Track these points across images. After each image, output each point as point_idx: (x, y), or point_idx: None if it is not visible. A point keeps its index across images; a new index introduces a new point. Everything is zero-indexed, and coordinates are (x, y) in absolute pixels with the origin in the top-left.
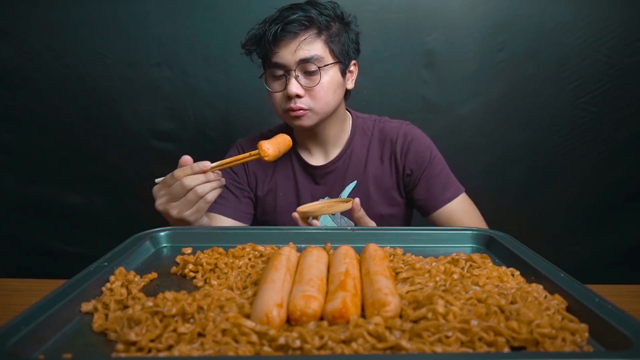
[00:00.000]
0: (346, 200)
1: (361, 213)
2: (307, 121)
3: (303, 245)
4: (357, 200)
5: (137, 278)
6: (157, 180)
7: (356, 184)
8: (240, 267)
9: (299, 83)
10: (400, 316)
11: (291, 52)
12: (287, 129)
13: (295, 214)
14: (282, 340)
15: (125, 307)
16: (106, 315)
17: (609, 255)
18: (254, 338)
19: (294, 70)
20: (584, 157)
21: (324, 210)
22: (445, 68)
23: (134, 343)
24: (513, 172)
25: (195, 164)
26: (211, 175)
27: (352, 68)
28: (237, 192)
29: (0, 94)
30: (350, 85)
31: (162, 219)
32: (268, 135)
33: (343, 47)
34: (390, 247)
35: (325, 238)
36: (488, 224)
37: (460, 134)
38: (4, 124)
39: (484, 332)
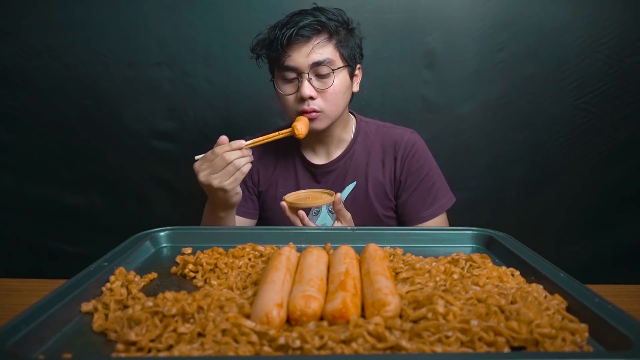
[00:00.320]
0: (329, 192)
1: (341, 206)
2: (320, 124)
3: (303, 245)
4: (338, 195)
5: (137, 278)
6: (197, 157)
7: (356, 184)
8: (240, 267)
9: (312, 85)
10: (400, 316)
11: (304, 55)
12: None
13: (283, 203)
14: (282, 340)
15: (125, 307)
16: (106, 315)
17: (609, 255)
18: (254, 338)
19: (307, 73)
20: (584, 157)
21: (309, 202)
22: (446, 68)
23: (134, 343)
24: (513, 172)
25: (233, 142)
26: (245, 151)
27: (357, 72)
28: (243, 190)
29: (1, 94)
30: (355, 88)
31: (163, 219)
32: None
33: (351, 51)
34: (390, 247)
35: (325, 238)
36: (488, 224)
37: (460, 134)
38: (4, 124)
39: (484, 332)
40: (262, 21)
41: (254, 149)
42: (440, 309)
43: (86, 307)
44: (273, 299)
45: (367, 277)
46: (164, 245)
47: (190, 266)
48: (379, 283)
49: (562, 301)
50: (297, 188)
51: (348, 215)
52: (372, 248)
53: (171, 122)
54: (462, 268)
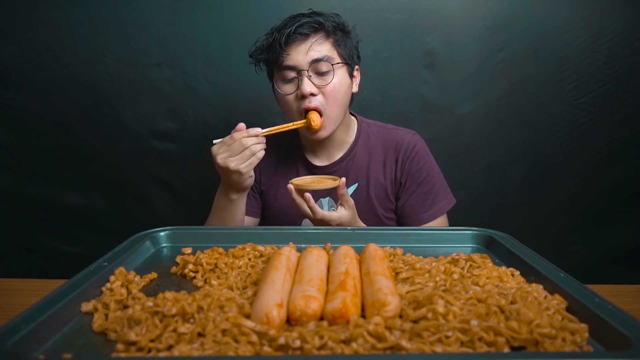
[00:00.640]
0: (334, 178)
1: (344, 191)
2: (324, 132)
3: (303, 245)
4: (343, 179)
5: (137, 278)
6: (215, 141)
7: (357, 186)
8: (240, 267)
9: (312, 82)
10: (400, 316)
11: (303, 53)
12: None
13: (290, 186)
14: (282, 340)
15: (125, 307)
16: (106, 315)
17: (609, 255)
18: (254, 338)
19: (307, 70)
20: (583, 157)
21: (314, 185)
22: (445, 68)
23: (134, 343)
24: (513, 172)
25: (250, 129)
26: (261, 138)
27: (355, 73)
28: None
29: (1, 94)
30: (355, 89)
31: (163, 219)
32: (277, 134)
33: (349, 51)
34: (390, 247)
35: (325, 238)
36: (488, 223)
37: (460, 133)
38: (4, 124)
39: (484, 332)
40: (261, 21)
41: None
42: (440, 309)
43: (86, 307)
44: (273, 299)
45: (367, 277)
46: (164, 245)
47: (190, 266)
48: (379, 283)
49: (562, 301)
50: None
51: (351, 201)
52: (372, 248)
53: (171, 122)
54: (462, 268)
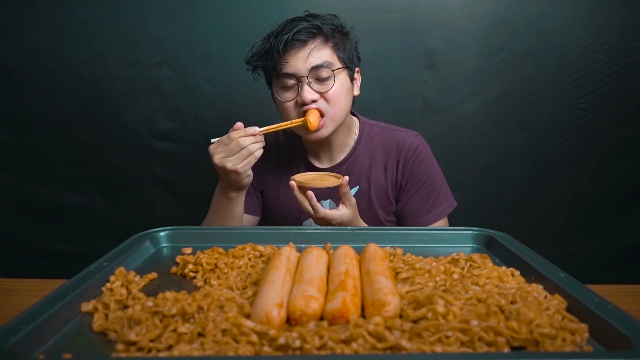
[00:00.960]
0: (337, 176)
1: (346, 189)
2: (324, 131)
3: (303, 245)
4: (346, 178)
5: (137, 278)
6: (213, 140)
7: (358, 189)
8: (240, 267)
9: (312, 89)
10: (400, 316)
11: (302, 60)
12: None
13: (292, 183)
14: (282, 340)
15: (125, 307)
16: (106, 315)
17: (609, 255)
18: (254, 338)
19: (307, 77)
20: (583, 157)
21: (316, 183)
22: (445, 68)
23: (134, 343)
24: (513, 172)
25: (247, 128)
26: (259, 137)
27: (356, 75)
28: (249, 186)
29: (1, 94)
30: (356, 91)
31: (163, 219)
32: (282, 131)
33: (348, 54)
34: (390, 247)
35: (325, 238)
36: (488, 223)
37: (460, 133)
38: (4, 124)
39: (484, 332)
40: (261, 21)
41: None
42: (440, 309)
43: (86, 307)
44: (273, 299)
45: (367, 277)
46: (164, 245)
47: (190, 266)
48: (379, 283)
49: (562, 301)
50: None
51: (353, 199)
52: (372, 248)
53: (171, 122)
54: (462, 268)
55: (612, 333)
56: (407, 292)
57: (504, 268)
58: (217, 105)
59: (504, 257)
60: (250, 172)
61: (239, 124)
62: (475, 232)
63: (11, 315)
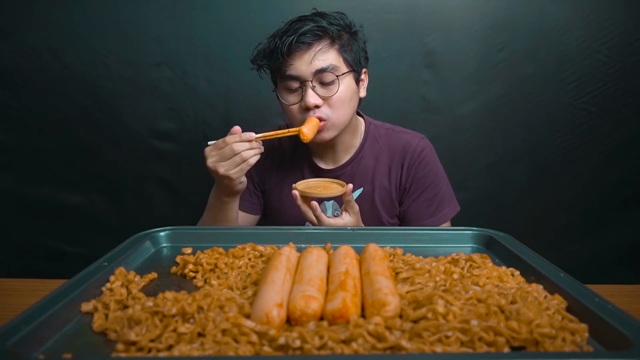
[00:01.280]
0: (341, 183)
1: (350, 197)
2: (327, 134)
3: (303, 245)
4: (350, 185)
5: (137, 278)
6: (209, 142)
7: (362, 191)
8: (240, 267)
9: (316, 93)
10: (400, 316)
11: (306, 63)
12: None
13: (295, 192)
14: (282, 340)
15: (125, 307)
16: (106, 315)
17: (609, 255)
18: (254, 338)
19: (311, 81)
20: (583, 157)
21: (320, 192)
22: (445, 68)
23: (134, 343)
24: (513, 172)
25: (244, 133)
26: (254, 144)
27: (363, 76)
28: (249, 184)
29: (1, 94)
30: (362, 93)
31: (163, 219)
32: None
33: (355, 55)
34: (390, 247)
35: (325, 238)
36: (488, 223)
37: (460, 133)
38: (4, 124)
39: (484, 332)
40: (261, 21)
41: (265, 149)
42: (440, 309)
43: (86, 307)
44: (273, 299)
45: (367, 277)
46: (164, 245)
47: (190, 266)
48: (379, 283)
49: (562, 301)
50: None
51: (356, 207)
52: (372, 248)
53: (171, 122)
54: (462, 268)
55: (612, 333)
56: (407, 292)
57: (504, 268)
58: (217, 105)
59: (504, 257)
60: (243, 179)
61: (236, 128)
62: (475, 232)
63: (11, 315)
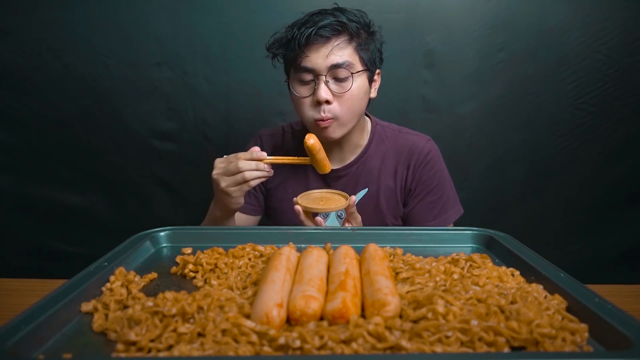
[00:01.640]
0: (343, 195)
1: (353, 209)
2: (334, 133)
3: (303, 245)
4: (353, 197)
5: (137, 278)
6: (225, 156)
7: (367, 191)
8: (240, 267)
9: (329, 89)
10: (400, 316)
11: (322, 57)
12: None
13: (298, 207)
14: (282, 341)
15: (125, 307)
16: (106, 315)
17: (609, 255)
18: (254, 338)
19: (325, 76)
20: (583, 156)
21: (322, 206)
22: (445, 68)
23: (134, 343)
24: (513, 172)
25: (255, 152)
26: (261, 165)
27: (376, 77)
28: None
29: (0, 94)
30: (373, 94)
31: (163, 219)
32: (291, 131)
33: (371, 55)
34: (390, 247)
35: (325, 238)
36: (488, 223)
37: (460, 133)
38: (4, 124)
39: (484, 332)
40: (261, 21)
41: (267, 142)
42: (440, 309)
43: (86, 307)
44: (273, 299)
45: (367, 277)
46: (164, 245)
47: (190, 266)
48: (379, 283)
49: (562, 301)
50: (307, 190)
51: (359, 218)
52: (372, 248)
53: (171, 122)
54: (462, 268)
55: (612, 333)
56: (407, 292)
57: (504, 268)
58: (217, 105)
59: (504, 257)
60: (241, 200)
61: (255, 148)
62: (475, 232)
63: (11, 315)
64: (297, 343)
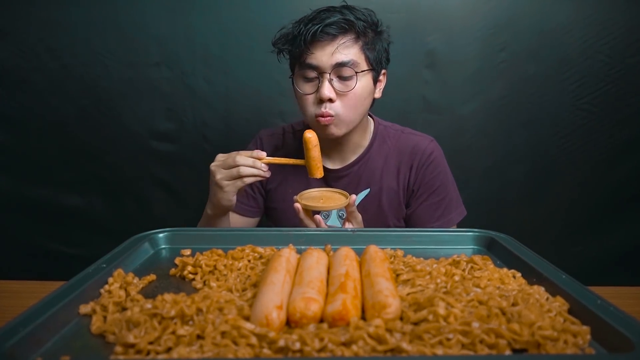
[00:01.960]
0: (343, 193)
1: (353, 208)
2: (336, 131)
3: (303, 247)
4: (353, 196)
5: (136, 280)
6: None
7: (369, 192)
8: (239, 269)
9: (333, 87)
10: (401, 318)
11: (328, 55)
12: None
13: (297, 205)
14: (281, 343)
15: (124, 309)
16: (105, 318)
17: (611, 257)
18: (254, 340)
19: (329, 74)
20: (585, 157)
21: (322, 205)
22: (447, 68)
23: (132, 345)
24: (514, 173)
25: (255, 151)
26: (258, 164)
27: (381, 77)
28: (248, 187)
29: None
30: (378, 94)
31: (162, 221)
32: (292, 131)
33: (377, 55)
34: (391, 248)
35: (325, 239)
36: (489, 225)
37: (462, 134)
38: (3, 125)
39: (485, 334)
40: (260, 21)
41: (267, 142)
42: (441, 311)
43: (84, 309)
44: (273, 301)
45: (368, 279)
46: (163, 246)
47: (189, 268)
48: (379, 285)
49: (564, 303)
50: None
51: (359, 217)
52: (373, 250)
53: (170, 122)
54: (463, 270)
55: (614, 335)
56: (408, 294)
57: (505, 270)
58: (216, 105)
59: (505, 258)
60: (233, 198)
61: (261, 153)
62: (477, 233)
63: (9, 317)
64: (297, 345)
